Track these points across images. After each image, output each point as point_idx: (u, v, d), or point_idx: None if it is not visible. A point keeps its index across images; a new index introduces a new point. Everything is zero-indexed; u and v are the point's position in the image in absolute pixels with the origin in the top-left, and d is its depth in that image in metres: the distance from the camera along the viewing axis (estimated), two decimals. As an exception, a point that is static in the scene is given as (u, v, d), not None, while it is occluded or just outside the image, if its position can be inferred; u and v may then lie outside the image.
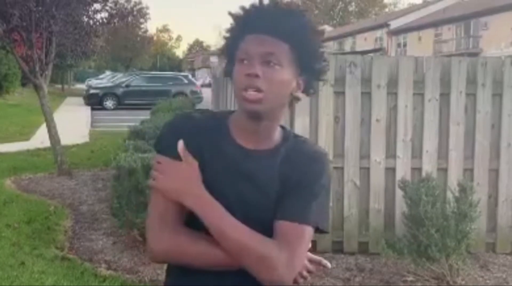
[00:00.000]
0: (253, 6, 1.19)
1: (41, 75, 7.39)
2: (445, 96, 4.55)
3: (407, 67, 4.51)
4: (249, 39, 1.16)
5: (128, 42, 39.09)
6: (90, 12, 8.16)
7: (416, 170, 4.55)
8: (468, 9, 31.64)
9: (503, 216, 4.62)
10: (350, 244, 4.55)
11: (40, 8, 6.99)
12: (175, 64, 73.00)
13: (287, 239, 1.14)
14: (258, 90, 1.13)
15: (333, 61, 4.48)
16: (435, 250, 3.73)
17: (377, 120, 4.52)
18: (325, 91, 4.48)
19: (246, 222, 1.14)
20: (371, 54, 19.41)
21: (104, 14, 8.37)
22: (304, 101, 4.34)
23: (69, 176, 7.29)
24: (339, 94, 4.52)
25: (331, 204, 4.43)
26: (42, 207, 5.64)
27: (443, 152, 4.58)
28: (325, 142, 4.46)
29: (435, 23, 34.65)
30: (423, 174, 4.37)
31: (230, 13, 1.21)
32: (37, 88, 7.51)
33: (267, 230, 1.15)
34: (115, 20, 8.53)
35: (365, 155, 4.52)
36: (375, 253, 4.32)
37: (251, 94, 1.13)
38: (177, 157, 1.16)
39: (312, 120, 4.52)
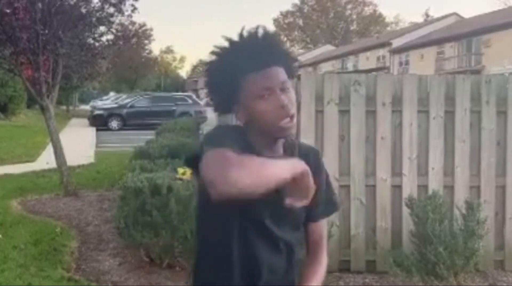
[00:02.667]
0: (241, 47, 1.31)
1: (48, 96, 7.47)
2: (449, 114, 4.56)
3: (412, 85, 4.54)
4: (260, 75, 1.29)
5: (132, 63, 39.50)
6: (96, 35, 8.28)
7: (422, 187, 4.54)
8: (471, 27, 31.85)
9: (511, 233, 4.59)
10: (357, 263, 4.52)
11: (47, 31, 7.10)
12: (179, 85, 73.50)
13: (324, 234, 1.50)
14: (292, 117, 1.31)
15: (337, 80, 4.52)
16: (443, 268, 3.71)
17: (382, 138, 4.53)
18: (330, 110, 4.51)
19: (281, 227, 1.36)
20: (375, 73, 19.51)
21: (109, 36, 8.50)
22: (309, 121, 4.35)
23: (75, 197, 7.31)
24: (344, 112, 4.54)
25: (338, 223, 4.42)
26: (49, 228, 5.65)
27: (449, 169, 4.58)
28: (331, 161, 4.47)
29: (437, 41, 34.88)
30: (430, 191, 4.37)
31: (216, 56, 1.35)
32: (43, 109, 7.59)
33: (298, 229, 1.41)
34: (120, 42, 8.65)
35: (371, 173, 4.53)
36: (383, 271, 4.29)
37: (289, 123, 1.31)
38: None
39: (317, 139, 4.54)
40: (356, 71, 26.12)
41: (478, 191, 4.59)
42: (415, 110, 4.55)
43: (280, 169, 1.14)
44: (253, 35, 1.31)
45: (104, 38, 8.41)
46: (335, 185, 4.42)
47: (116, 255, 4.80)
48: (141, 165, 5.42)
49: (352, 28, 72.57)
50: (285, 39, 69.86)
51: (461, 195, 4.49)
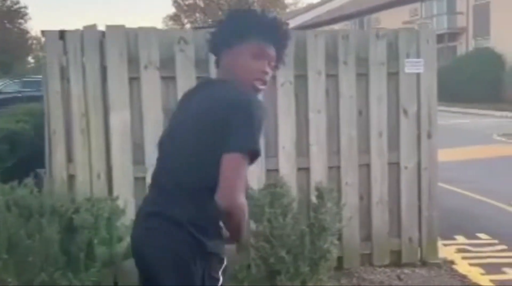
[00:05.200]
0: (264, 21, 1.69)
1: None
2: (301, 79, 3.67)
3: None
4: (264, 46, 1.66)
5: (6, 45, 35.53)
6: None
7: (273, 172, 3.63)
8: (362, 6, 32.40)
9: (379, 220, 3.83)
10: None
11: None
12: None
13: None
14: (265, 83, 1.69)
15: (156, 37, 3.43)
16: (286, 278, 2.80)
17: (219, 112, 3.53)
18: (149, 77, 3.42)
19: None
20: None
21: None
22: (120, 90, 3.22)
23: None
24: (169, 79, 3.48)
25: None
26: None
27: (303, 148, 3.71)
28: (151, 142, 3.41)
29: (331, 21, 35.15)
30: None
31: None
32: None
33: None
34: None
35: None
36: None
37: (261, 85, 1.67)
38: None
39: (134, 114, 3.45)
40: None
41: (339, 172, 3.77)
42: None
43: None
44: (274, 17, 1.70)
45: None
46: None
47: None
48: None
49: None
50: (186, 21, 67.75)
51: (318, 178, 3.64)
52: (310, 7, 44.24)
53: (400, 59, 3.78)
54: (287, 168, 3.63)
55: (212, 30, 1.74)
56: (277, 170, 3.63)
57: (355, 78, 3.74)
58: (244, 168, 1.47)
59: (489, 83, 21.10)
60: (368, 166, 3.81)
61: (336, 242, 3.04)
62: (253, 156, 1.49)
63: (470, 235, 4.99)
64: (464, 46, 24.68)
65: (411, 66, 3.76)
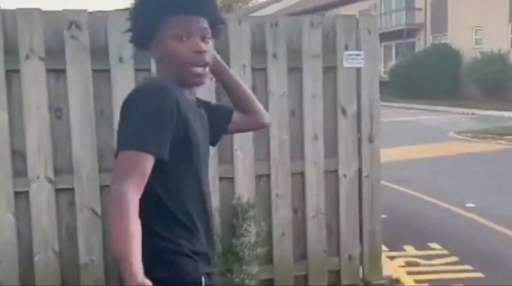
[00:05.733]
0: None
1: None
2: (222, 73, 3.11)
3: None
4: (184, 19, 1.31)
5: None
6: None
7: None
8: (321, 1, 32.23)
9: (315, 237, 3.33)
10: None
11: None
12: None
13: None
14: (206, 65, 1.34)
15: (40, 21, 2.80)
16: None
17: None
18: (31, 69, 2.80)
19: (206, 154, 1.43)
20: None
21: None
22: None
23: None
24: (57, 73, 2.87)
25: (56, 248, 2.76)
26: None
27: (226, 154, 3.16)
28: (34, 150, 2.80)
29: (291, 15, 34.82)
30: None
31: None
32: None
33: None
34: None
35: (108, 168, 2.92)
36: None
37: (201, 70, 1.32)
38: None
39: (13, 116, 2.81)
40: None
41: (268, 182, 3.24)
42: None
43: (131, 252, 1.10)
44: None
45: None
46: (46, 187, 2.76)
47: None
48: None
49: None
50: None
51: (244, 189, 3.11)
52: (271, 2, 43.83)
53: (337, 52, 3.29)
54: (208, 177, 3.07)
55: (128, 17, 1.39)
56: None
57: (286, 73, 3.22)
58: (128, 167, 1.20)
59: (446, 79, 21.18)
60: (302, 174, 3.30)
61: (255, 270, 2.51)
62: (145, 154, 1.21)
63: (420, 244, 4.59)
64: (423, 42, 24.75)
65: (350, 60, 3.27)
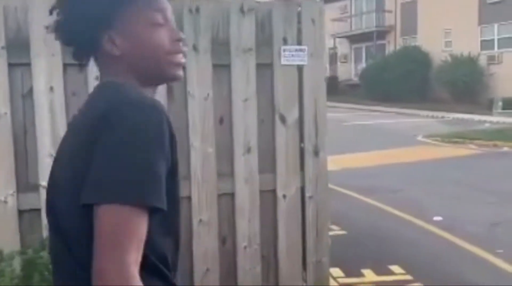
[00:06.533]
0: None
1: None
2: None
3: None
4: (160, 2, 1.03)
5: None
6: None
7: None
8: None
9: (248, 271, 2.71)
10: None
11: None
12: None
13: None
14: (185, 55, 1.08)
15: None
16: None
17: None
18: None
19: None
20: None
21: None
22: None
23: None
24: None
25: None
26: None
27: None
28: None
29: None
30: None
31: None
32: None
33: None
34: None
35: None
36: None
37: (182, 59, 1.06)
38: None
39: None
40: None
41: (189, 205, 2.62)
42: (60, 63, 2.38)
43: None
44: None
45: None
46: None
47: None
48: None
49: None
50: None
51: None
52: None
53: (275, 46, 2.70)
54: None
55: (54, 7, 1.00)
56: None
57: (211, 71, 2.61)
58: (126, 231, 0.83)
59: (416, 82, 20.99)
60: (231, 195, 2.69)
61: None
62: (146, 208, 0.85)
63: (381, 268, 4.04)
64: (393, 44, 24.53)
65: (290, 56, 2.68)
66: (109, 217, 0.83)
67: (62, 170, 0.96)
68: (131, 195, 0.84)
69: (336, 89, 26.21)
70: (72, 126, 1.02)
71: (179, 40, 1.05)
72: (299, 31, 2.72)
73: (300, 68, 2.74)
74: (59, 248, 0.96)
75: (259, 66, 2.67)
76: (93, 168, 0.86)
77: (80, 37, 1.01)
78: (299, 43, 2.71)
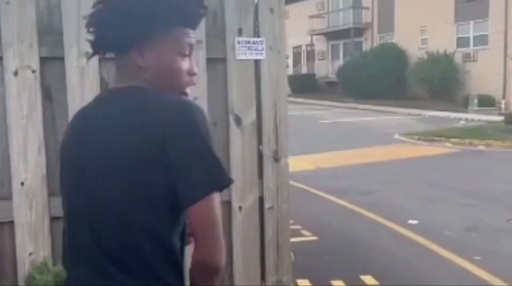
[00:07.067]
0: None
1: None
2: None
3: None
4: (186, 33, 1.16)
5: None
6: None
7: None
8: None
9: None
10: None
11: None
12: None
13: None
14: (191, 85, 1.22)
15: None
16: None
17: None
18: None
19: None
20: None
21: None
22: None
23: None
24: None
25: None
26: None
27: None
28: None
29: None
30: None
31: None
32: None
33: None
34: None
35: None
36: None
37: (189, 90, 1.19)
38: None
39: None
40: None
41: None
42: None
43: None
44: None
45: None
46: None
47: None
48: None
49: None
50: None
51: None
52: None
53: (228, 38, 2.38)
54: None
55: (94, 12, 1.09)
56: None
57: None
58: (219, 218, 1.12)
59: (393, 79, 20.93)
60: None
61: None
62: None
63: (352, 278, 3.78)
64: (370, 41, 24.44)
65: (245, 49, 2.36)
66: (210, 208, 1.05)
67: (112, 181, 1.04)
68: (221, 182, 1.08)
69: (313, 87, 26.05)
70: (109, 132, 1.06)
71: (194, 74, 1.18)
72: (256, 21, 2.40)
73: (257, 63, 2.42)
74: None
75: (210, 61, 2.35)
76: (188, 169, 1.03)
77: (114, 42, 1.12)
78: (256, 35, 2.40)
